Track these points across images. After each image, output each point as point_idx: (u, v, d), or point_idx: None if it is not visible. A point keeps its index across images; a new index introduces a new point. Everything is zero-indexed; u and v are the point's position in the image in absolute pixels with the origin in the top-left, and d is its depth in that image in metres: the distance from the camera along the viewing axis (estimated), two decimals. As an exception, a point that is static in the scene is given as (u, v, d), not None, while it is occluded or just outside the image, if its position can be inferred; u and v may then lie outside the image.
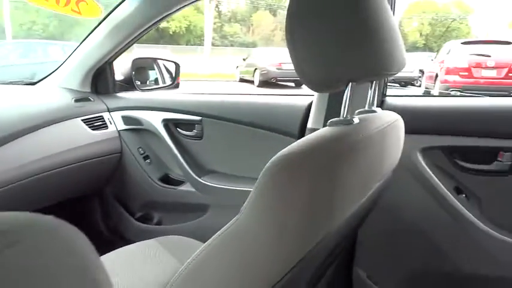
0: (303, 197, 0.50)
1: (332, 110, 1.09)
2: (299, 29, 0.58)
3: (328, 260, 0.77)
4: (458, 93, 6.40)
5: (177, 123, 1.54)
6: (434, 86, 8.75)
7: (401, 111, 0.81)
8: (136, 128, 1.61)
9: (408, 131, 0.83)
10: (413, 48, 22.21)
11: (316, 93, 1.14)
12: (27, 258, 0.25)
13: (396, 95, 1.19)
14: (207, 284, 0.55)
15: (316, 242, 0.55)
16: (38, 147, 1.32)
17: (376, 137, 0.64)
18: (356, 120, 0.65)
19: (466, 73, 8.24)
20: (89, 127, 1.52)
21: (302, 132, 1.20)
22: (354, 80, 0.62)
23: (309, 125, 1.16)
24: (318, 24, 0.58)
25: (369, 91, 0.77)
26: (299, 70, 0.60)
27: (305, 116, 1.21)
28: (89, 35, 1.53)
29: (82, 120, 1.51)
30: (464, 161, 1.04)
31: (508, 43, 8.33)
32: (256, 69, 11.72)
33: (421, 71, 10.64)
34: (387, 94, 1.18)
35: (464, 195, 1.06)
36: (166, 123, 1.54)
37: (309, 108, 1.20)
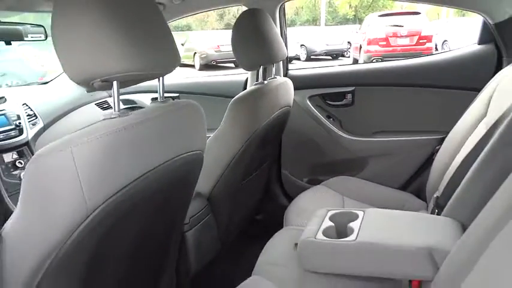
0: None
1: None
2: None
3: (254, 164, 1.56)
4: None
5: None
6: (359, 56, 9.94)
7: (297, 77, 1.65)
8: (132, 107, 2.33)
9: (301, 87, 1.68)
10: (344, 20, 23.45)
11: (249, 71, 1.95)
12: None
13: (295, 69, 2.05)
14: None
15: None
16: (72, 125, 2.00)
17: (270, 87, 1.46)
18: (266, 82, 1.46)
19: (385, 43, 9.44)
20: (101, 109, 2.22)
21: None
22: (263, 64, 1.43)
23: None
24: None
25: (273, 69, 1.59)
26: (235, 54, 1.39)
27: (244, 85, 2.03)
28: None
29: (95, 104, 2.21)
30: (330, 101, 1.92)
31: (417, 13, 9.61)
32: (195, 53, 12.03)
33: (349, 43, 11.81)
34: (289, 69, 2.02)
35: (332, 119, 1.94)
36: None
37: (246, 80, 2.03)
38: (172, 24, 1.99)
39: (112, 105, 2.20)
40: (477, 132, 1.36)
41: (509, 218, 0.72)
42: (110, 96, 2.32)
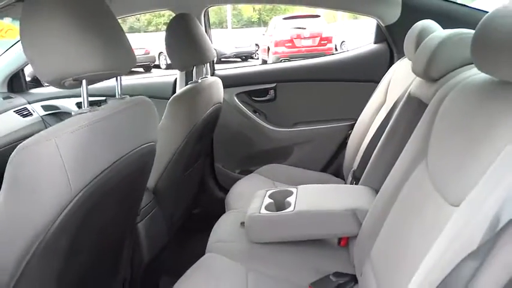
0: None
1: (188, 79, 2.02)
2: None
3: (193, 158, 1.67)
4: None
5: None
6: (268, 57, 10.43)
7: (224, 77, 1.79)
8: (55, 112, 2.26)
9: (229, 86, 1.84)
10: (249, 23, 24.15)
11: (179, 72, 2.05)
12: None
13: (221, 69, 2.20)
14: None
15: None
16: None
17: (204, 85, 1.58)
18: (199, 81, 1.59)
19: (290, 44, 10.03)
20: (20, 116, 2.12)
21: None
22: (196, 64, 1.55)
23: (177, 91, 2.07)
24: None
25: (204, 69, 1.72)
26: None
27: (174, 86, 2.12)
28: (5, 51, 2.11)
29: (14, 111, 2.11)
30: (255, 97, 2.11)
31: (317, 16, 10.37)
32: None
33: (257, 45, 12.28)
34: (216, 69, 2.16)
35: (258, 113, 2.13)
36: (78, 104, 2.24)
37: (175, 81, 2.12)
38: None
39: (67, 105, 2.12)
40: (380, 115, 1.65)
41: (405, 182, 0.96)
42: (28, 103, 2.22)
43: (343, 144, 1.99)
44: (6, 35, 1.92)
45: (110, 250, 1.12)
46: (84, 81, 0.83)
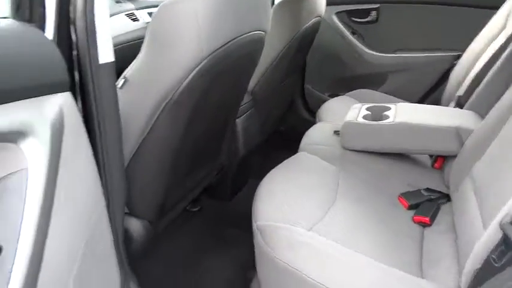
0: None
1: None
2: None
3: (290, 69, 1.66)
4: None
5: None
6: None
7: None
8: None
9: (330, 3, 1.78)
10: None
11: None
12: None
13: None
14: None
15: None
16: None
17: None
18: None
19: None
20: (130, 19, 2.27)
21: None
22: None
23: None
24: None
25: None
26: None
27: None
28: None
29: (125, 15, 2.25)
30: (356, 17, 2.02)
31: None
32: None
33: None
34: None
35: (356, 35, 2.05)
36: None
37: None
38: None
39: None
40: (497, 42, 1.51)
41: None
42: (136, 9, 2.35)
43: (445, 77, 1.86)
44: None
45: (217, 132, 1.21)
46: None
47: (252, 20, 1.01)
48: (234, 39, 0.91)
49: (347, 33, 2.02)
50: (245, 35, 0.97)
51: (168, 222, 1.17)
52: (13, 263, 0.49)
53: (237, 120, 1.42)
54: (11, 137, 0.51)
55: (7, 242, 0.50)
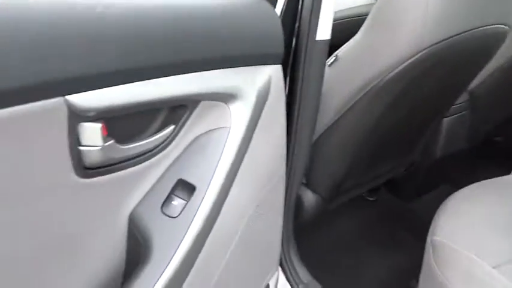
0: None
1: None
2: None
3: None
4: None
5: None
6: None
7: None
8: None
9: None
10: None
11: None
12: None
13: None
14: None
15: None
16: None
17: None
18: None
19: None
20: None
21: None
22: None
23: None
24: None
25: None
26: None
27: None
28: None
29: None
30: None
31: None
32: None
33: None
34: None
35: None
36: None
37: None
38: None
39: None
40: None
41: None
42: None
43: None
44: None
45: (416, 126, 1.12)
46: None
47: (495, 12, 0.85)
48: (464, 32, 0.79)
49: None
50: (482, 28, 0.83)
51: (340, 203, 1.18)
52: (202, 200, 0.58)
53: (444, 119, 1.27)
54: (225, 97, 0.58)
55: (202, 182, 0.59)
